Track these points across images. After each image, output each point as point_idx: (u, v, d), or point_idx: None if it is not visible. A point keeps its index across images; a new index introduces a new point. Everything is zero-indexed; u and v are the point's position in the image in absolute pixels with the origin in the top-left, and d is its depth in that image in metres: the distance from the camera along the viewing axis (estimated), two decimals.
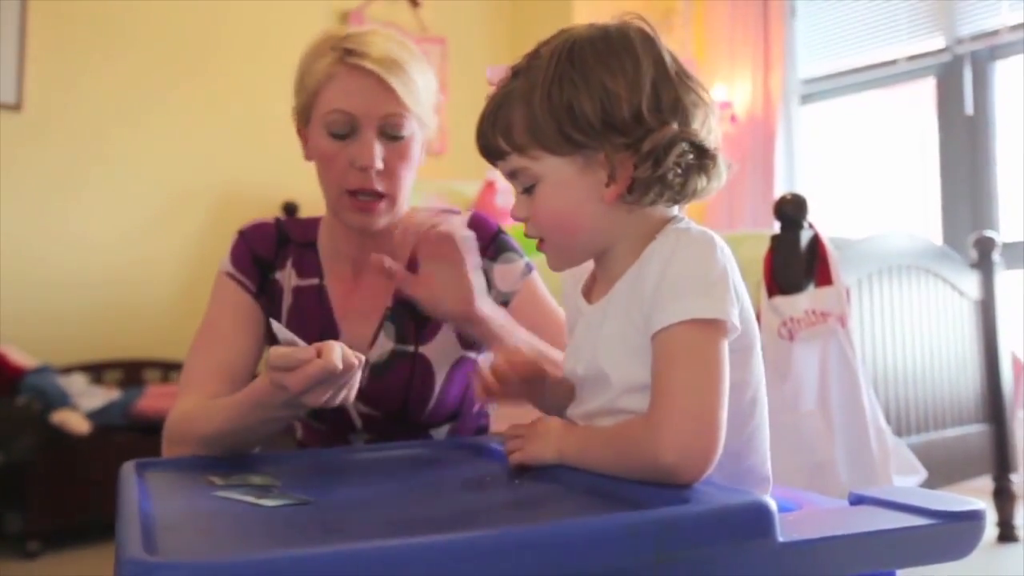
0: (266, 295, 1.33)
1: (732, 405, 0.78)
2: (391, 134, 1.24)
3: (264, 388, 1.03)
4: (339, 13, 3.97)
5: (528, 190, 0.88)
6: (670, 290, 0.79)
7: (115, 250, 3.41)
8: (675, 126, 0.83)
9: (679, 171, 0.83)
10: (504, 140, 0.87)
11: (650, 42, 0.86)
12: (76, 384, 3.00)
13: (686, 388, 0.76)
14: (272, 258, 1.35)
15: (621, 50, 0.84)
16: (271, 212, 1.30)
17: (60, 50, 3.32)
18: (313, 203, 1.47)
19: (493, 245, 1.34)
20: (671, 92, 0.84)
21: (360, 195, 1.25)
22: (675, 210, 0.89)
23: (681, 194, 0.85)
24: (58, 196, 3.29)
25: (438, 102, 1.31)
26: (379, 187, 1.25)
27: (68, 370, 3.11)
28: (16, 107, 3.20)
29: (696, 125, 0.85)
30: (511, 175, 0.89)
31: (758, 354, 0.87)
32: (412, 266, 1.31)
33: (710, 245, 0.80)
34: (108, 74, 3.41)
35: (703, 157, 0.85)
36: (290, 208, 3.54)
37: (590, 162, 0.85)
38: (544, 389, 0.97)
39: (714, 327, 0.78)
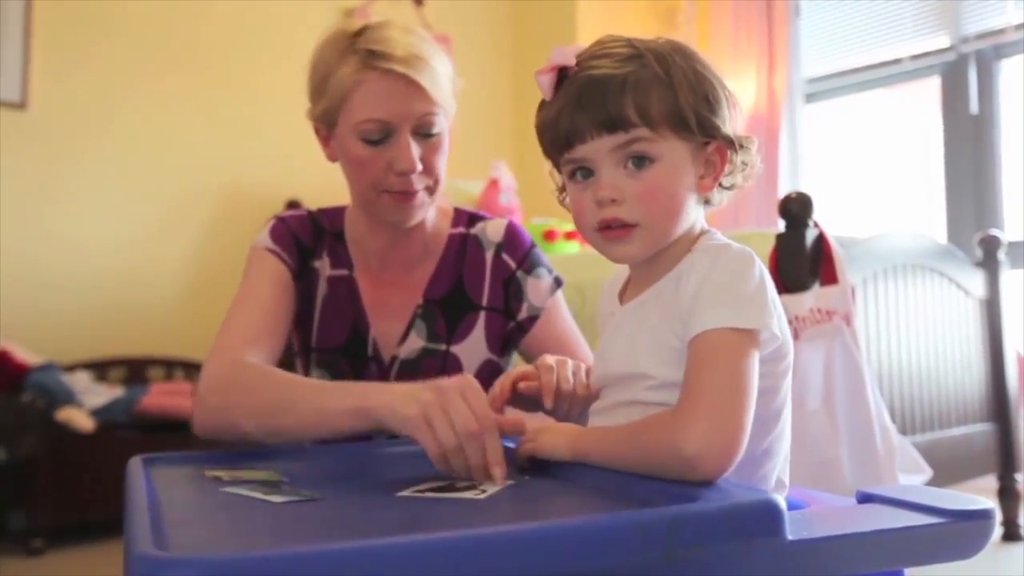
0: (303, 280, 1.33)
1: (759, 411, 0.79)
2: (425, 132, 1.25)
3: (357, 423, 1.03)
4: (342, 11, 3.96)
5: (637, 165, 0.86)
6: (708, 299, 0.81)
7: (119, 248, 3.41)
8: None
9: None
10: (639, 115, 0.85)
11: None
12: (80, 382, 3.00)
13: (714, 388, 0.77)
14: (312, 246, 1.35)
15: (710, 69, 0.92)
16: (275, 209, 1.30)
17: (65, 49, 3.32)
18: (316, 200, 1.47)
19: (528, 259, 1.37)
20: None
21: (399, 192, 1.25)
22: (704, 223, 0.92)
23: (712, 201, 0.93)
24: (63, 194, 3.30)
25: (456, 85, 1.30)
26: (419, 186, 1.26)
27: (72, 368, 3.11)
28: (21, 105, 3.21)
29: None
30: (621, 147, 0.86)
31: (790, 366, 0.88)
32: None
33: (749, 261, 0.84)
34: (112, 74, 3.41)
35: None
36: (293, 206, 3.54)
37: (697, 152, 0.89)
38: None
39: (748, 337, 0.80)
